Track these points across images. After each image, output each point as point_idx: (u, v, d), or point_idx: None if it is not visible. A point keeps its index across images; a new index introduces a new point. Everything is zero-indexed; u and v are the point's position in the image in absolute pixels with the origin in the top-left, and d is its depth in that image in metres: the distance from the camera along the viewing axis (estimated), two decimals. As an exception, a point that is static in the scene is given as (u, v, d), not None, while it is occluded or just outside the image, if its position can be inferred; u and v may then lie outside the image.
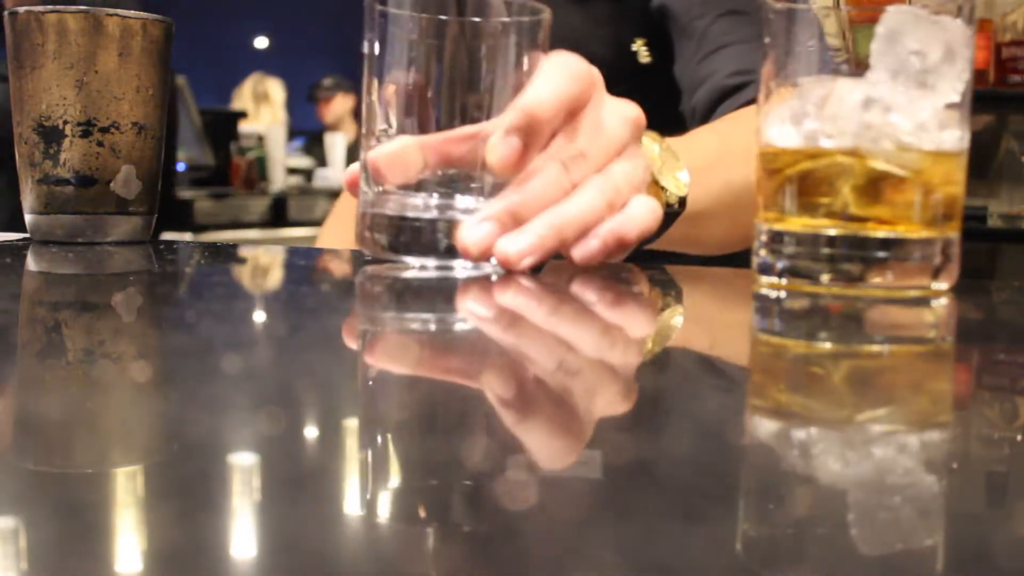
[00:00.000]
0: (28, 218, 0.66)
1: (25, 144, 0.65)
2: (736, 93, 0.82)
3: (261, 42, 8.56)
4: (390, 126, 0.53)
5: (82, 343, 0.34)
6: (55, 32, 0.63)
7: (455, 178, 0.53)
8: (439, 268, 0.52)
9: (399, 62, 0.53)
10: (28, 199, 0.66)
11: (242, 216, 3.36)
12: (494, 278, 0.50)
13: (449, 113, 0.53)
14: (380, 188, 0.53)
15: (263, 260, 0.67)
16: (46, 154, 0.64)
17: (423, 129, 0.53)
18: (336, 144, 4.27)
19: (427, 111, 0.53)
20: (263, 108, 4.50)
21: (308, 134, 4.87)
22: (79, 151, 0.64)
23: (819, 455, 0.23)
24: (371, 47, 0.54)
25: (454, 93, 0.53)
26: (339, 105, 4.72)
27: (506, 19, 0.53)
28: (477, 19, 0.53)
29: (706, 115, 0.85)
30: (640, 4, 0.91)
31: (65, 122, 0.64)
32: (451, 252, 0.51)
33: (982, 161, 2.82)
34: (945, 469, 0.23)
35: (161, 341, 0.36)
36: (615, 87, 0.93)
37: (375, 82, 0.54)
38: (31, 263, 0.58)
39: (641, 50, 0.91)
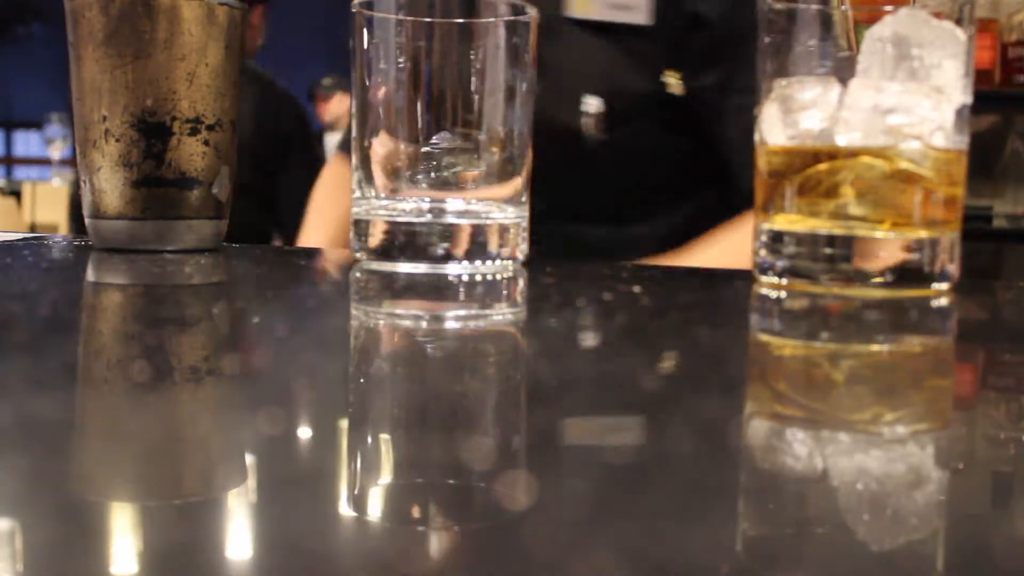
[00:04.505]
0: (109, 224, 0.61)
1: (116, 141, 0.59)
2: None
3: (254, 41, 8.56)
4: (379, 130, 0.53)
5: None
6: (167, 20, 0.58)
7: (448, 181, 0.53)
8: (432, 272, 0.52)
9: (387, 66, 0.53)
10: (113, 202, 0.60)
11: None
12: (490, 278, 0.50)
13: (438, 115, 0.53)
14: (373, 193, 0.53)
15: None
16: (148, 153, 0.59)
17: (412, 132, 0.53)
18: (335, 144, 4.24)
19: (416, 114, 0.53)
20: None
21: (308, 136, 4.85)
22: (187, 150, 0.60)
23: (818, 455, 0.23)
24: (358, 51, 0.54)
25: (443, 95, 0.53)
26: (337, 104, 4.69)
27: (492, 19, 0.53)
28: (463, 20, 0.53)
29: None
30: (672, 39, 0.92)
31: (173, 119, 0.59)
32: (445, 256, 0.52)
33: (987, 161, 2.81)
34: (946, 469, 0.23)
35: (157, 342, 0.36)
36: (646, 116, 0.95)
37: (364, 86, 0.54)
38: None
39: (672, 81, 0.93)
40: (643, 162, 0.98)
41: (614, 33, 0.93)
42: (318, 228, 1.14)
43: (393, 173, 0.53)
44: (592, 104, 0.93)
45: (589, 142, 0.94)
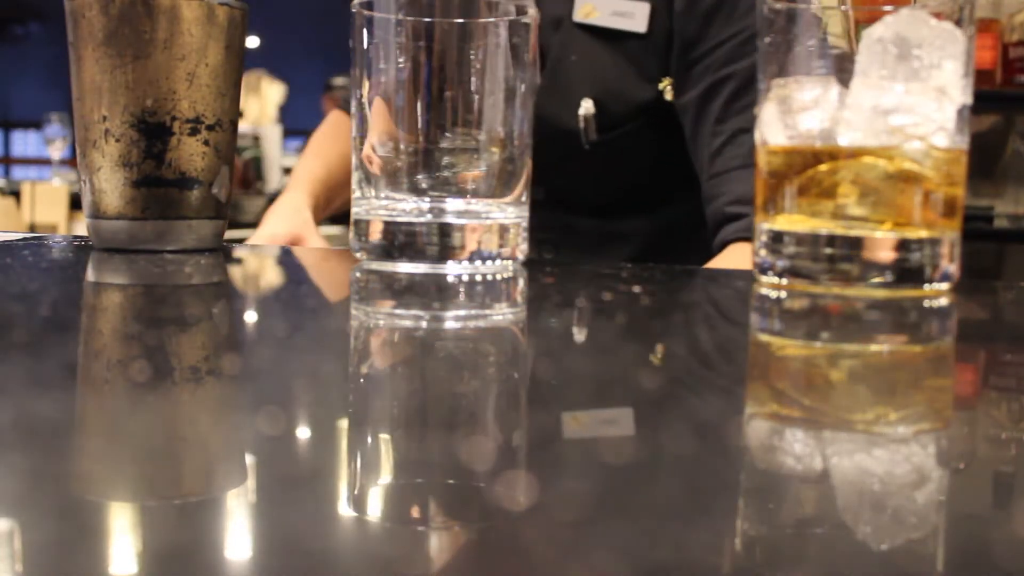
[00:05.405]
0: (109, 224, 0.61)
1: (116, 141, 0.60)
2: (734, 222, 0.90)
3: (252, 41, 8.60)
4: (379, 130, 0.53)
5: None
6: (167, 20, 0.59)
7: (448, 182, 0.53)
8: (432, 272, 0.52)
9: (386, 66, 0.53)
10: (113, 202, 0.60)
11: (238, 216, 3.35)
12: (490, 278, 0.50)
13: (438, 115, 0.53)
14: (373, 193, 0.53)
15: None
16: (148, 153, 0.60)
17: (412, 132, 0.53)
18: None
19: (415, 114, 0.53)
20: (251, 100, 4.48)
21: (306, 135, 4.86)
22: (187, 150, 0.60)
23: (818, 455, 0.23)
24: (358, 51, 0.54)
25: (442, 95, 0.53)
26: None
27: (492, 19, 0.53)
28: (463, 20, 0.53)
29: (713, 232, 0.93)
30: (664, 42, 0.96)
31: (173, 119, 0.60)
32: (444, 256, 0.52)
33: (988, 161, 2.81)
34: (947, 469, 0.23)
35: (157, 342, 0.36)
36: (641, 119, 0.98)
37: (364, 86, 0.54)
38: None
39: (667, 88, 0.97)
40: (634, 162, 1.02)
41: (617, 40, 0.96)
42: (316, 157, 1.15)
43: (393, 173, 0.53)
44: (589, 106, 0.97)
45: (583, 140, 0.98)
